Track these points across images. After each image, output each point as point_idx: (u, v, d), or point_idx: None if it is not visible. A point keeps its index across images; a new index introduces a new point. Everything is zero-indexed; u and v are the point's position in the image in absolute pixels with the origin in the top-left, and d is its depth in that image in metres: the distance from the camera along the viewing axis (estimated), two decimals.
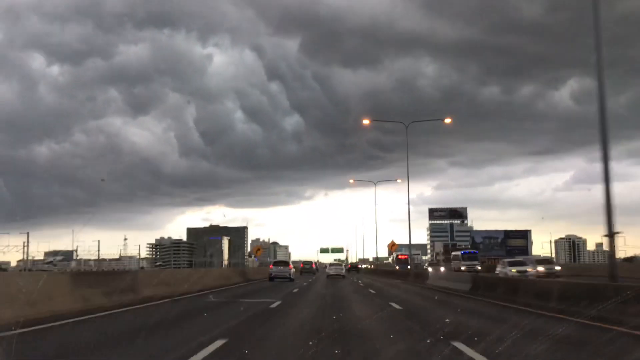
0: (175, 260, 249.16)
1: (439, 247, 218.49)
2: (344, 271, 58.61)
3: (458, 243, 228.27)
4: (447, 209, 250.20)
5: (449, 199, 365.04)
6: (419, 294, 25.10)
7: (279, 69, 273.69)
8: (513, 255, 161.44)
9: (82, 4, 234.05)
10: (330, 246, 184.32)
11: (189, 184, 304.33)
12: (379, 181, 76.07)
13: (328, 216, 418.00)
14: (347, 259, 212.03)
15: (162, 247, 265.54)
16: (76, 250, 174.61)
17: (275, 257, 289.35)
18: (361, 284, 35.92)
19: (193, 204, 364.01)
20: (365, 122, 45.73)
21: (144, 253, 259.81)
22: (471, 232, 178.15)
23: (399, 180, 75.97)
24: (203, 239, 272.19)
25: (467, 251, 53.17)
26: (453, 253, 55.65)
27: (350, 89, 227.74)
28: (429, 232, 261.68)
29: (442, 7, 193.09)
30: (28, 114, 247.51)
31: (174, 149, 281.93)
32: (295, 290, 26.39)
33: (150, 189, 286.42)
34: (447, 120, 45.21)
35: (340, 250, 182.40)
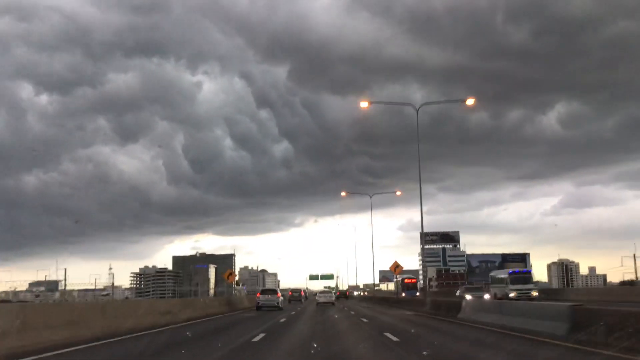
0: (155, 290, 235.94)
1: (432, 272, 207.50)
2: (333, 298, 57.80)
3: (451, 268, 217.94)
4: (439, 233, 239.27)
5: (438, 224, 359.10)
6: (481, 343, 13.72)
7: (268, 96, 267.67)
8: None
9: (71, 33, 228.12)
10: (319, 273, 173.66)
11: (178, 212, 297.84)
12: (375, 194, 65.34)
13: (318, 243, 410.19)
14: (337, 285, 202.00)
15: (146, 277, 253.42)
16: (58, 280, 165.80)
17: (264, 285, 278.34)
18: (364, 320, 24.39)
19: (182, 232, 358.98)
20: (364, 104, 35.19)
21: (128, 283, 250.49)
22: (467, 256, 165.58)
23: (398, 193, 65.30)
24: (189, 268, 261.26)
25: (516, 270, 39.90)
26: (492, 274, 42.27)
27: (339, 116, 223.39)
28: (421, 257, 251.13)
29: (430, 34, 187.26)
30: (16, 144, 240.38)
31: (162, 177, 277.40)
32: (256, 339, 14.88)
33: (139, 218, 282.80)
34: (469, 102, 34.89)
35: (330, 277, 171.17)
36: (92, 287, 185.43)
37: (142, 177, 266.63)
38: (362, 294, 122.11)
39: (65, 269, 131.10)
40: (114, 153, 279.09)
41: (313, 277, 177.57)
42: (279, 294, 40.52)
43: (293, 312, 32.79)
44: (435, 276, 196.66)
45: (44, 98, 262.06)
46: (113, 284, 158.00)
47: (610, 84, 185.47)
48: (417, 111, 34.37)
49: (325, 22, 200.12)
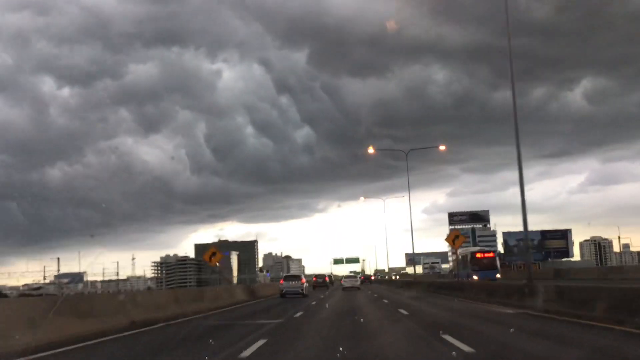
0: (174, 279, 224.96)
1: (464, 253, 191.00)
2: (358, 283, 57.06)
3: (484, 249, 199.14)
4: (467, 212, 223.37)
5: (463, 205, 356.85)
6: None
7: (288, 81, 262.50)
8: (552, 258, 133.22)
9: (90, 26, 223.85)
10: (344, 256, 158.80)
11: (202, 201, 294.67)
12: (412, 149, 50.59)
13: (342, 227, 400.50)
14: (363, 270, 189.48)
15: (168, 266, 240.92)
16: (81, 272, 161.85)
17: (288, 271, 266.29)
18: (458, 343, 9.45)
19: (206, 221, 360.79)
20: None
21: (150, 272, 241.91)
22: (503, 235, 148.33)
23: (442, 148, 50.07)
24: None
25: None
26: None
27: (360, 99, 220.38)
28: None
29: (450, 12, 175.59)
30: (40, 137, 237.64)
31: (185, 167, 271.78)
32: None
33: (163, 208, 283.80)
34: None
35: (355, 261, 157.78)
36: (104, 278, 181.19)
37: (165, 167, 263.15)
38: (392, 277, 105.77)
39: (59, 258, 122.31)
40: (137, 144, 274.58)
41: (338, 261, 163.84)
42: (303, 279, 37.70)
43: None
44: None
45: (65, 91, 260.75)
46: (118, 274, 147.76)
47: (637, 57, 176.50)
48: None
49: (343, 2, 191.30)
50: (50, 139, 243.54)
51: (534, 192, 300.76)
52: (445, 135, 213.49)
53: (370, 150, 45.80)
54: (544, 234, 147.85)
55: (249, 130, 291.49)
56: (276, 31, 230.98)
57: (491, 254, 43.36)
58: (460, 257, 46.16)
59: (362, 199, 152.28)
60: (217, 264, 31.68)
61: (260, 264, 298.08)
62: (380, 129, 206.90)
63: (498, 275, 39.62)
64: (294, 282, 36.55)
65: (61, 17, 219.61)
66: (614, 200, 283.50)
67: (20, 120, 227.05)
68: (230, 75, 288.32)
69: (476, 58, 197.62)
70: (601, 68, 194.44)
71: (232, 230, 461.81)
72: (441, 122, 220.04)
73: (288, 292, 35.11)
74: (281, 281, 38.31)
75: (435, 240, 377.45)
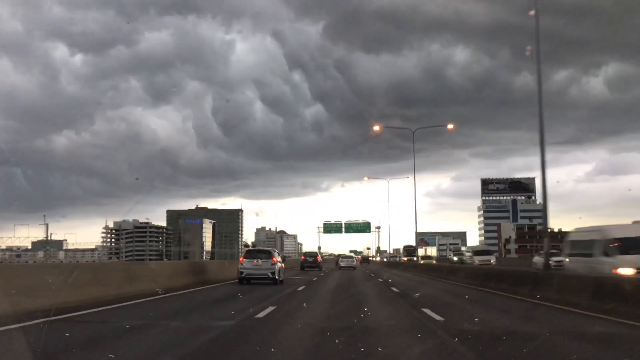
0: (139, 250, 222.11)
1: (508, 229, 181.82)
2: (354, 263, 69.19)
3: (529, 225, 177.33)
4: (507, 179, 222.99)
5: (466, 191, 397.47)
6: None
7: (301, 57, 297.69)
8: None
9: None
10: (344, 220, 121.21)
11: (206, 175, 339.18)
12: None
13: (345, 207, 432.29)
14: (368, 248, 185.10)
15: (127, 233, 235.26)
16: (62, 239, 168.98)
17: (282, 249, 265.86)
18: None
19: (209, 195, 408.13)
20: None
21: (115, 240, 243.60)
22: None
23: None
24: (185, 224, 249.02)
25: None
26: None
27: (373, 77, 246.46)
28: (481, 211, 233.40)
29: None
30: (48, 104, 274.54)
31: (192, 139, 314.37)
32: None
33: (168, 180, 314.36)
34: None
35: (363, 229, 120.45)
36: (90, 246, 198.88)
37: (172, 139, 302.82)
38: (417, 260, 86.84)
39: (47, 224, 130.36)
40: (145, 114, 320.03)
41: (330, 229, 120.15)
42: (275, 257, 30.77)
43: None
44: (514, 236, 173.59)
45: (77, 58, 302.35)
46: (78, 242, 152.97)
47: None
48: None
49: None
50: (59, 106, 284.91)
51: (540, 179, 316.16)
52: (460, 118, 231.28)
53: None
54: None
55: (259, 105, 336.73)
56: (291, 1, 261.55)
57: None
58: None
59: (365, 179, 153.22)
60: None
61: (252, 239, 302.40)
62: (392, 108, 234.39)
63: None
64: (260, 262, 30.09)
65: None
66: (622, 190, 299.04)
67: (29, 87, 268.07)
68: (243, 47, 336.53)
69: (497, 38, 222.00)
70: (628, 53, 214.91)
71: (234, 205, 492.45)
72: (456, 104, 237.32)
73: (250, 276, 29.70)
74: (241, 258, 31.46)
75: (439, 223, 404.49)
